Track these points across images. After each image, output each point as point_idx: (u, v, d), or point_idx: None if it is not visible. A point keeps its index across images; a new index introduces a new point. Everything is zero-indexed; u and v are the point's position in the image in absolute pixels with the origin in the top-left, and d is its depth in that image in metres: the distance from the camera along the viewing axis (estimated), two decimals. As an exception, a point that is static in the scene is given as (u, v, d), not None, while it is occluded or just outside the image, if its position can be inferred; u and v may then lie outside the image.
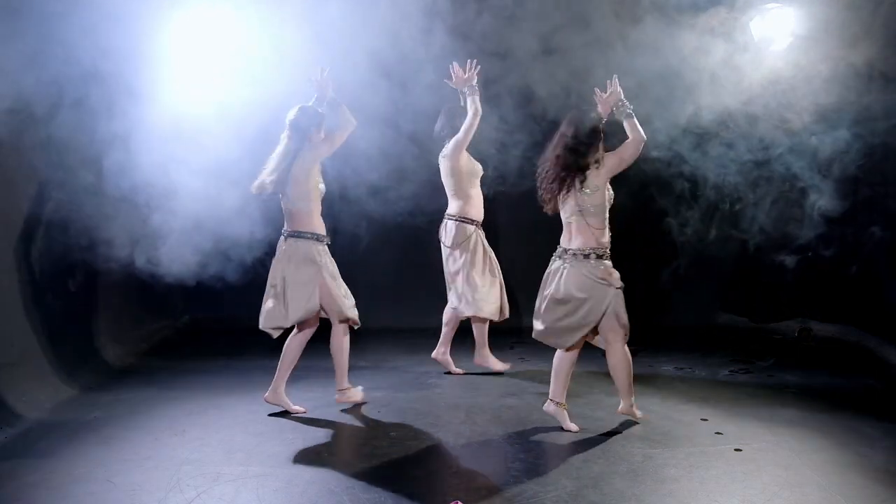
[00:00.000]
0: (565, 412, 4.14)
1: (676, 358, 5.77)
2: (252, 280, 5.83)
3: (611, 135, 4.05)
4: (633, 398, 4.19)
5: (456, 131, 5.05)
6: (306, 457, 3.79)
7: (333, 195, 5.30)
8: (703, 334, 6.53)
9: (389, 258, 6.97)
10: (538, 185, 4.08)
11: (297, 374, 4.89)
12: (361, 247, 6.77)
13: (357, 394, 4.64)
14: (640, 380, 5.13)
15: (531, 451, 3.85)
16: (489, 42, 5.66)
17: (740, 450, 3.83)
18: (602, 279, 3.94)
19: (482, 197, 5.25)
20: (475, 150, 5.30)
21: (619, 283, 3.97)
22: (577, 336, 4.01)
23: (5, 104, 4.28)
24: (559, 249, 4.05)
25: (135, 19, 4.70)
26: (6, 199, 4.63)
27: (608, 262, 3.99)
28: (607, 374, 4.25)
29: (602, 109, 4.03)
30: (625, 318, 4.00)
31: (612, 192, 4.04)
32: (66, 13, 4.33)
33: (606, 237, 4.01)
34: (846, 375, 5.30)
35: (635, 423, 4.24)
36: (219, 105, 4.88)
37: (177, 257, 6.58)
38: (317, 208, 4.40)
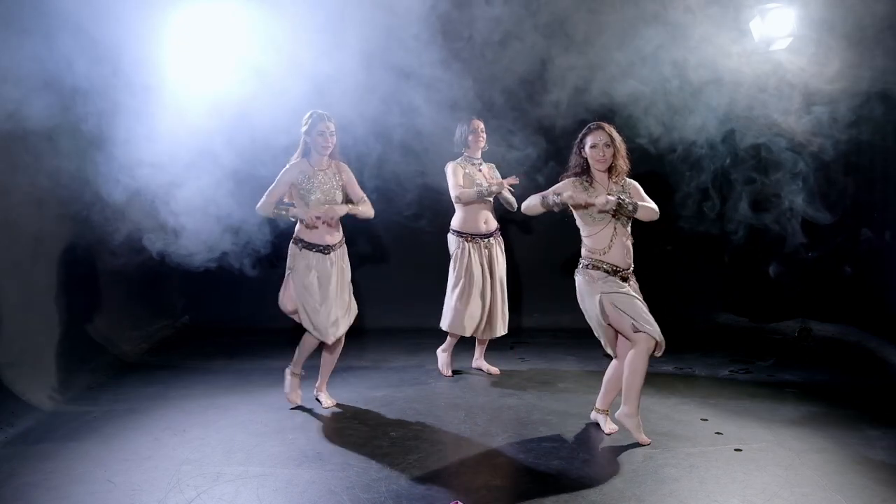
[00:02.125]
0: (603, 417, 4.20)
1: (676, 358, 5.76)
2: (252, 280, 5.83)
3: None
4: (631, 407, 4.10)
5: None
6: (306, 457, 3.79)
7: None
8: (703, 334, 6.53)
9: (390, 259, 6.97)
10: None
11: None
12: (362, 249, 6.77)
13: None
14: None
15: (531, 451, 3.85)
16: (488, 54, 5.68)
17: (740, 450, 3.83)
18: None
19: (472, 213, 5.20)
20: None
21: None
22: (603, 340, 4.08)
23: (4, 102, 4.29)
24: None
25: (136, 16, 4.70)
26: (6, 199, 4.63)
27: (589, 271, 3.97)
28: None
29: None
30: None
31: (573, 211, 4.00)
32: (68, 11, 4.33)
33: (589, 246, 3.98)
34: (846, 375, 5.30)
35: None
36: (219, 101, 4.88)
37: (178, 256, 6.60)
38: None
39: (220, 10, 5.01)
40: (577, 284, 4.02)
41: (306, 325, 4.40)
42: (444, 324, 5.26)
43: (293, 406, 4.57)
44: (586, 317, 4.05)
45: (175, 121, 4.76)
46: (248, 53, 5.02)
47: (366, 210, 4.53)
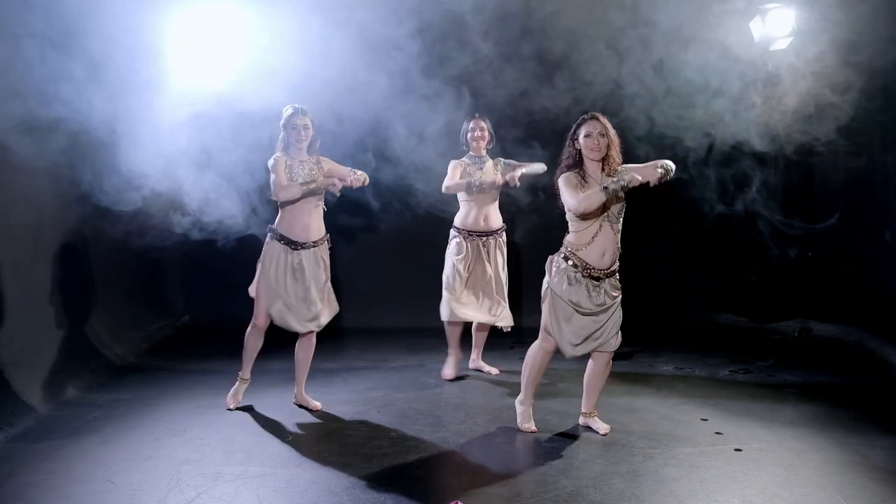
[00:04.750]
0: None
1: (676, 358, 5.77)
2: (252, 279, 5.81)
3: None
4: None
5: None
6: (306, 457, 3.79)
7: (335, 197, 5.32)
8: (703, 334, 6.53)
9: (390, 259, 6.97)
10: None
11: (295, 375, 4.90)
12: (362, 248, 6.78)
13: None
14: (640, 380, 5.16)
15: (531, 451, 3.85)
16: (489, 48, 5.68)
17: (740, 450, 3.83)
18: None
19: (472, 210, 5.19)
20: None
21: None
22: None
23: (4, 101, 4.28)
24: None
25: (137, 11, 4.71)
26: (6, 199, 4.62)
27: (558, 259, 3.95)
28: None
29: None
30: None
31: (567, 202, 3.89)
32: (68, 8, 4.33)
33: (571, 239, 3.93)
34: (846, 375, 5.30)
35: (635, 423, 4.25)
36: (222, 97, 4.88)
37: (178, 254, 6.57)
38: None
39: (222, 8, 5.02)
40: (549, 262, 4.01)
41: (259, 309, 4.44)
42: (441, 313, 5.22)
43: (230, 409, 4.54)
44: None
45: (178, 115, 4.74)
46: (250, 50, 5.03)
47: (361, 175, 4.45)
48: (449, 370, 5.28)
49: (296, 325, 4.43)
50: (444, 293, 5.18)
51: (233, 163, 4.78)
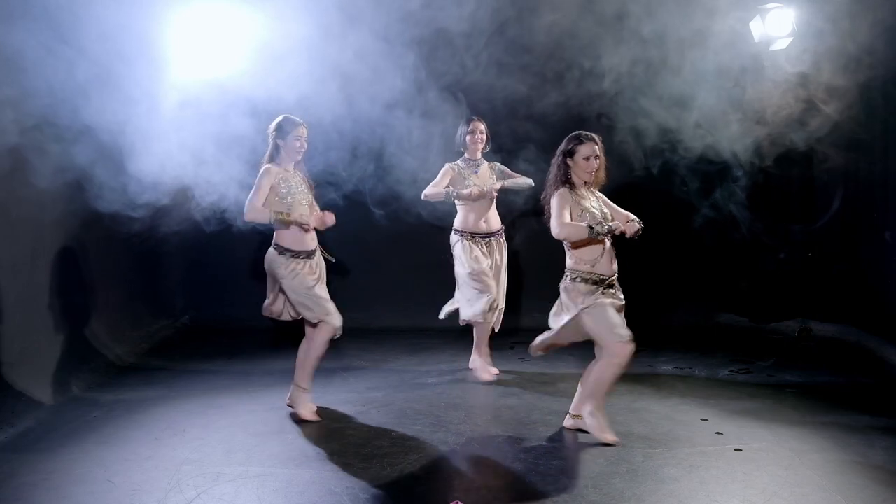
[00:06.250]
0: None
1: (676, 358, 5.77)
2: (252, 280, 5.82)
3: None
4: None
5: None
6: (306, 457, 3.79)
7: (337, 199, 5.32)
8: (703, 334, 6.53)
9: (391, 260, 6.97)
10: None
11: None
12: (362, 248, 6.77)
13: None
14: (640, 380, 5.15)
15: (531, 451, 3.85)
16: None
17: (740, 450, 3.83)
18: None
19: (471, 213, 5.20)
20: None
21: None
22: None
23: (5, 101, 4.28)
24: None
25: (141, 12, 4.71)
26: (7, 198, 4.62)
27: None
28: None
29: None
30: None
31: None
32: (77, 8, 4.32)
33: (578, 256, 3.94)
34: (846, 375, 5.30)
35: (635, 423, 4.25)
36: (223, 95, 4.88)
37: (179, 254, 6.56)
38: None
39: (224, 8, 5.04)
40: (561, 296, 3.98)
41: (321, 314, 4.27)
42: (466, 314, 5.11)
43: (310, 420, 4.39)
44: (553, 313, 4.03)
45: (181, 114, 4.74)
46: (250, 48, 5.03)
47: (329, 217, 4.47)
48: (487, 373, 5.20)
49: (336, 317, 4.36)
50: (471, 294, 5.08)
51: (236, 159, 4.79)
